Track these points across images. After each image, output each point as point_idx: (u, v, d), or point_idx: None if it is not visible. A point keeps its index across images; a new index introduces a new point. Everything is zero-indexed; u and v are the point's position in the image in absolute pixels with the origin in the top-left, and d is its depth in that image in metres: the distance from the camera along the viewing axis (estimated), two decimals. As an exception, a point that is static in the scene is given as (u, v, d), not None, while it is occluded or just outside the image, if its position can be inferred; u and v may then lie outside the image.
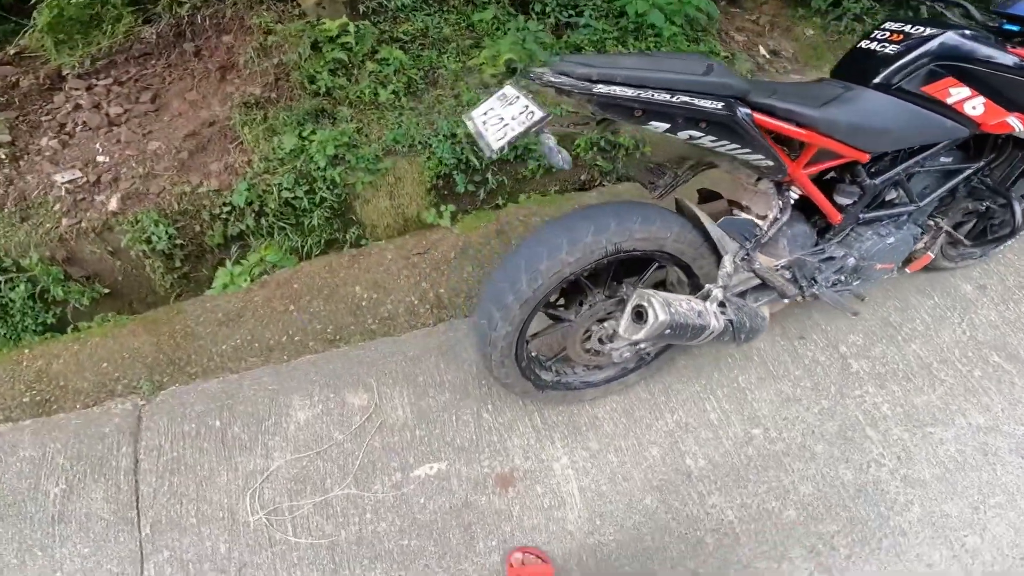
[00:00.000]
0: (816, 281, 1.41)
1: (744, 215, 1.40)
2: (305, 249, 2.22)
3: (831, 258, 1.46)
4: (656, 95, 0.98)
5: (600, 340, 1.49)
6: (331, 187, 2.13)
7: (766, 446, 1.60)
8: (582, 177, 2.57)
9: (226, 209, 2.12)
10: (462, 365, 1.84)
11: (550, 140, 1.06)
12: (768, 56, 2.90)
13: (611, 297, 1.44)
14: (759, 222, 1.34)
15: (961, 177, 1.48)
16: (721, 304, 1.26)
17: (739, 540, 1.45)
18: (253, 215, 2.15)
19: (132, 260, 2.13)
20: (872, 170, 1.32)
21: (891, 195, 1.43)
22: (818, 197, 1.28)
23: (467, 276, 2.12)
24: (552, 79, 1.01)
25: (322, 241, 2.22)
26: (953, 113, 1.25)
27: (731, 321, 1.25)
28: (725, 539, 1.46)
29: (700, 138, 1.08)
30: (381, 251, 2.20)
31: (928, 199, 1.47)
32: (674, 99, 0.98)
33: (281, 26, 2.35)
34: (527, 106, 1.08)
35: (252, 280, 2.09)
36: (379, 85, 2.35)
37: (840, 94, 1.19)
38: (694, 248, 1.34)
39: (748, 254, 1.34)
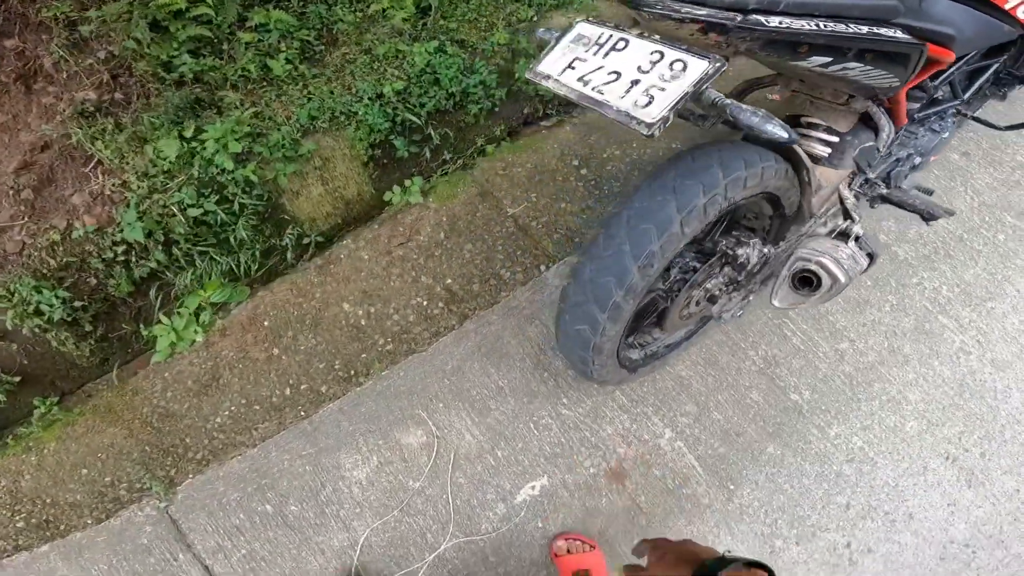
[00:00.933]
0: (900, 186, 1.43)
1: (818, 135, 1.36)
2: (242, 269, 2.00)
3: (897, 160, 1.56)
4: (840, 28, 0.84)
5: (698, 303, 1.46)
6: (247, 189, 1.91)
7: (859, 359, 1.68)
8: (524, 111, 2.51)
9: (120, 249, 1.84)
10: (513, 362, 1.78)
11: (726, 99, 0.92)
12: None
13: (701, 253, 1.42)
14: (871, 143, 1.39)
15: (991, 71, 1.65)
16: (857, 239, 1.22)
17: (876, 464, 1.52)
18: (160, 247, 1.88)
19: (30, 339, 1.68)
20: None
21: (939, 93, 1.53)
22: (904, 105, 1.32)
23: (471, 256, 2.04)
24: (685, 9, 0.85)
25: (256, 254, 2.02)
26: (1009, 17, 1.36)
27: (871, 255, 1.21)
28: (863, 466, 1.52)
29: (846, 69, 1.01)
30: (352, 253, 2.06)
31: (968, 93, 1.62)
32: (863, 32, 0.85)
33: (94, 12, 1.89)
34: (662, 53, 0.92)
35: (205, 330, 1.75)
36: (265, 56, 2.14)
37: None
38: (790, 181, 1.30)
39: (868, 179, 1.36)
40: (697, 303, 1.46)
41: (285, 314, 1.90)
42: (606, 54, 1.00)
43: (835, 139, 1.38)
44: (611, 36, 1.01)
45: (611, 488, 1.57)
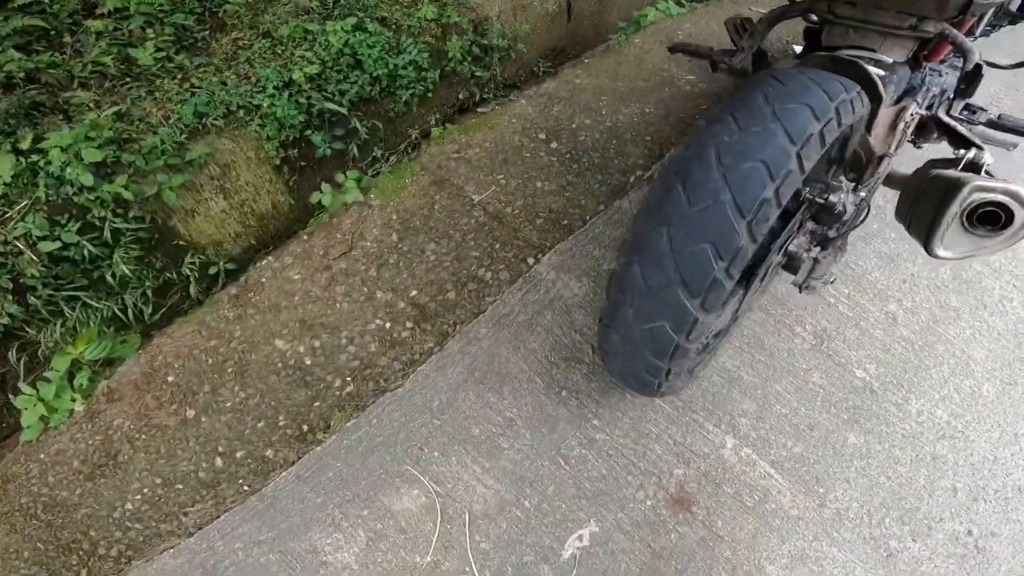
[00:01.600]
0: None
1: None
2: (131, 314, 1.69)
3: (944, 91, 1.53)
4: None
5: (769, 273, 1.26)
6: (120, 211, 1.63)
7: (912, 320, 1.60)
8: (460, 95, 2.42)
9: (-49, 305, 1.48)
10: (518, 384, 1.51)
11: None
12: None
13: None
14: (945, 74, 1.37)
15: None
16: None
17: (969, 438, 1.39)
18: (9, 297, 1.54)
19: None
20: None
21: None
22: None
23: (438, 258, 1.77)
24: None
25: (148, 293, 1.71)
26: None
27: None
28: (956, 443, 1.38)
29: None
30: (278, 273, 1.75)
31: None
32: None
33: None
34: None
35: (84, 396, 1.31)
36: (126, 47, 1.87)
37: None
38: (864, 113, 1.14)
39: (969, 104, 1.32)
40: (768, 273, 1.21)
41: (196, 364, 1.51)
42: None
43: (884, 72, 1.27)
44: None
45: (677, 519, 1.29)
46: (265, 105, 1.80)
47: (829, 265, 1.29)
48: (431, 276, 1.68)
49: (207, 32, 1.95)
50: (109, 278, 1.59)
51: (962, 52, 1.21)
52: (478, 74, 2.39)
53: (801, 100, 0.93)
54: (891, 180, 1.33)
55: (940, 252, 1.00)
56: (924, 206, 1.03)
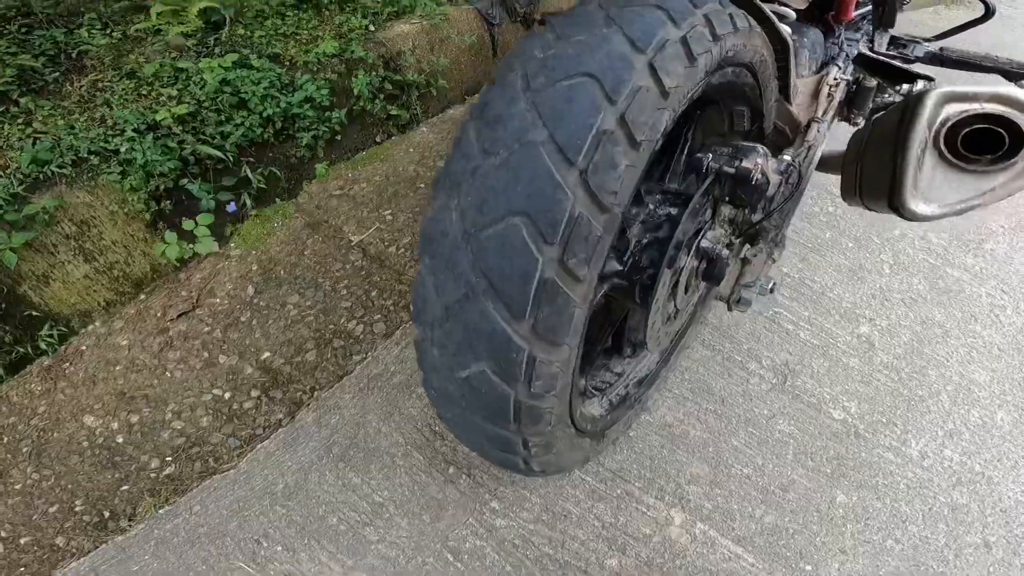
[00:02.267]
0: None
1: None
2: None
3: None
4: None
5: (687, 287, 0.97)
6: None
7: (892, 343, 1.31)
8: (377, 137, 2.20)
9: None
10: (392, 460, 1.19)
11: None
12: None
13: (669, 200, 0.92)
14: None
15: None
16: None
17: (992, 480, 1.17)
18: None
19: None
20: None
21: None
22: None
23: (300, 312, 1.50)
24: None
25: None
26: None
27: None
28: (978, 488, 1.18)
29: None
30: (103, 339, 1.49)
31: None
32: None
33: None
34: None
35: None
36: None
37: None
38: (768, 52, 0.91)
39: (896, 39, 1.24)
40: (686, 287, 0.93)
41: None
42: None
43: (790, 28, 1.06)
44: None
45: None
46: (123, 150, 1.56)
47: (763, 267, 1.01)
48: (289, 334, 1.37)
49: (59, 75, 1.75)
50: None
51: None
52: (395, 113, 2.26)
53: (650, 2, 0.67)
54: (827, 163, 1.10)
55: (917, 206, 0.72)
56: (878, 157, 0.77)
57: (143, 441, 1.23)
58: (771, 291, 1.02)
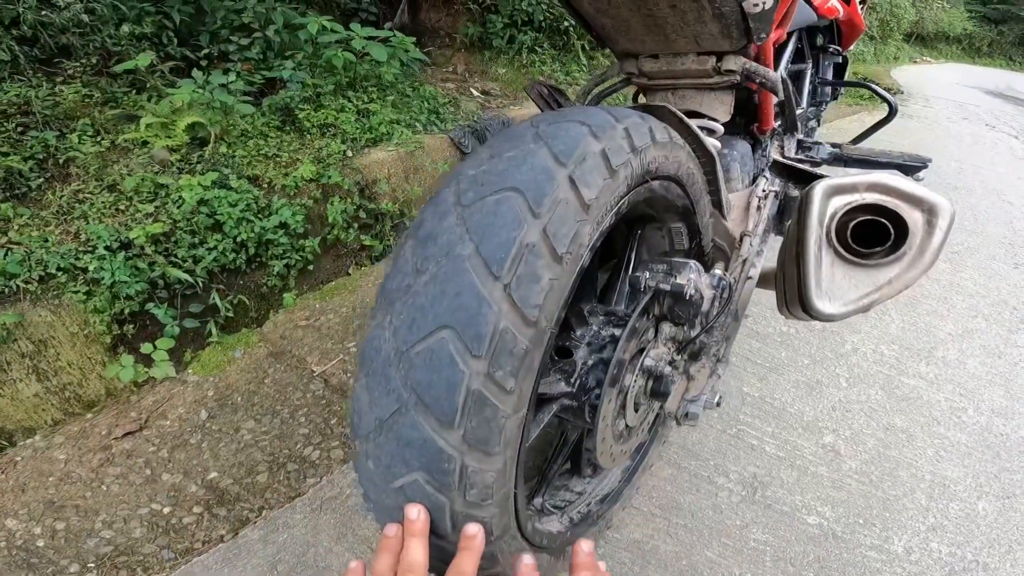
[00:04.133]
0: None
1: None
2: None
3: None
4: None
5: (636, 405, 1.02)
6: None
7: (858, 449, 1.49)
8: (348, 269, 2.33)
9: None
10: None
11: None
12: (482, 96, 3.65)
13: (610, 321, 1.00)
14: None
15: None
16: None
17: (987, 566, 1.20)
18: None
19: None
20: None
21: None
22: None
23: (254, 438, 1.54)
24: None
25: None
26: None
27: None
28: (978, 574, 1.10)
29: None
30: (41, 452, 1.51)
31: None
32: None
33: None
34: None
35: None
36: None
37: None
38: (696, 165, 1.01)
39: (802, 142, 1.38)
40: (636, 406, 1.02)
41: None
42: None
43: (717, 141, 1.26)
44: None
45: None
46: (92, 268, 1.63)
47: (707, 381, 1.09)
48: (240, 457, 1.40)
49: (43, 181, 1.88)
50: None
51: (768, 86, 1.16)
52: (367, 244, 2.36)
53: (574, 118, 0.76)
54: (766, 279, 1.22)
55: (824, 306, 0.80)
56: (790, 264, 0.88)
57: (66, 547, 1.21)
58: (717, 404, 1.07)
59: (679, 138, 0.93)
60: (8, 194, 1.79)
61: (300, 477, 1.37)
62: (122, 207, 1.85)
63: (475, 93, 3.59)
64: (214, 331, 1.81)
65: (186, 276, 1.74)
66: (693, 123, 1.00)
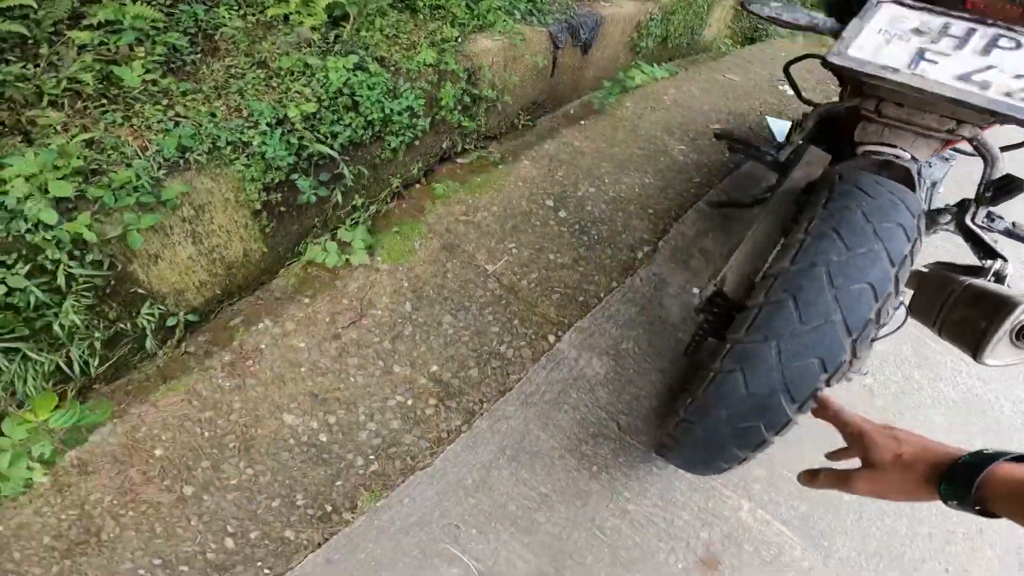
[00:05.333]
0: None
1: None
2: (76, 367, 1.69)
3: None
4: None
5: None
6: (78, 253, 1.62)
7: (884, 390, 2.01)
8: (444, 144, 2.67)
9: None
10: (551, 461, 1.79)
11: None
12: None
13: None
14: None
15: None
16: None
17: None
18: None
19: None
20: None
21: None
22: None
23: (456, 332, 2.02)
24: None
25: (96, 345, 1.71)
26: None
27: None
28: None
29: None
30: (280, 340, 1.91)
31: None
32: None
33: None
34: None
35: (46, 467, 1.57)
36: (109, 65, 1.89)
37: None
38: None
39: (991, 213, 1.63)
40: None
41: (189, 438, 1.66)
42: (986, 50, 1.22)
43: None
44: (972, 29, 1.25)
45: None
46: (256, 143, 1.87)
47: (864, 361, 1.58)
48: (451, 351, 1.94)
49: (198, 55, 2.01)
50: (56, 328, 1.58)
51: (989, 158, 1.48)
52: (464, 124, 2.66)
53: (894, 219, 1.20)
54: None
55: (989, 361, 1.23)
56: (965, 317, 1.28)
57: (345, 440, 1.73)
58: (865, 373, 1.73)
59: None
60: (167, 68, 1.93)
61: (504, 373, 1.93)
62: (274, 84, 2.04)
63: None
64: (338, 198, 2.14)
65: (327, 150, 2.02)
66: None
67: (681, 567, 1.65)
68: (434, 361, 1.91)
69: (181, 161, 1.76)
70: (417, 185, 2.44)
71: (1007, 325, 1.16)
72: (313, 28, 2.22)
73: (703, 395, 1.32)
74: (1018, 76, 1.21)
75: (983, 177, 1.57)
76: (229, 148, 1.86)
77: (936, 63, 1.25)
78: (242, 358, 1.81)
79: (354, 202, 2.31)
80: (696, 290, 1.83)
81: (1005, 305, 1.17)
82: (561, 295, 2.11)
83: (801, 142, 1.79)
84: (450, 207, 2.27)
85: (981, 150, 1.48)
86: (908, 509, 1.88)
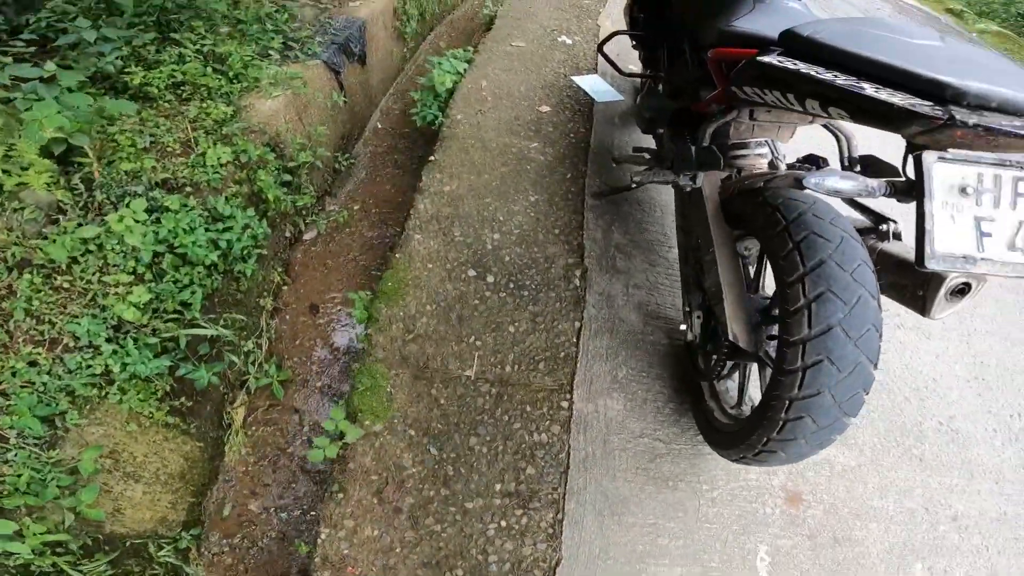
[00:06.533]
0: None
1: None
2: None
3: None
4: None
5: None
6: None
7: None
8: (287, 234, 2.93)
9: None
10: (635, 500, 2.06)
11: None
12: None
13: None
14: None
15: None
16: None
17: None
18: None
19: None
20: None
21: None
22: None
23: (488, 449, 2.16)
24: None
25: None
26: None
27: None
28: None
29: None
30: (352, 534, 1.95)
31: None
32: None
33: None
34: None
35: None
36: None
37: None
38: None
39: None
40: None
41: None
42: (1005, 202, 1.31)
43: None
44: (1000, 177, 1.31)
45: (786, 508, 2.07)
46: (116, 369, 1.69)
47: None
48: (499, 463, 2.06)
49: None
50: None
51: (843, 136, 2.00)
52: (300, 202, 2.57)
53: (859, 258, 1.51)
54: None
55: (935, 317, 1.54)
56: (900, 284, 1.61)
57: None
58: None
59: None
60: None
61: (552, 455, 2.09)
62: (69, 288, 1.76)
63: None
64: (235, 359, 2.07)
65: (201, 331, 1.93)
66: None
67: (770, 511, 2.08)
68: (493, 480, 2.04)
69: (56, 430, 1.61)
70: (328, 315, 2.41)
71: (942, 292, 1.49)
72: (48, 186, 1.85)
73: (780, 435, 1.65)
74: None
75: (844, 152, 2.01)
76: (91, 390, 1.68)
77: (991, 235, 1.31)
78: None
79: (245, 348, 2.21)
80: (683, 327, 2.21)
81: (936, 276, 1.48)
82: (544, 360, 2.30)
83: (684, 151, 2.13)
84: (388, 331, 2.30)
85: (835, 130, 1.98)
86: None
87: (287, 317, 2.44)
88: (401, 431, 2.11)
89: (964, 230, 1.28)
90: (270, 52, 2.83)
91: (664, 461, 2.13)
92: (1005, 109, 1.23)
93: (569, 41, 4.33)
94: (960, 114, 1.19)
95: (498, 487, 2.04)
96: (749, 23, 2.01)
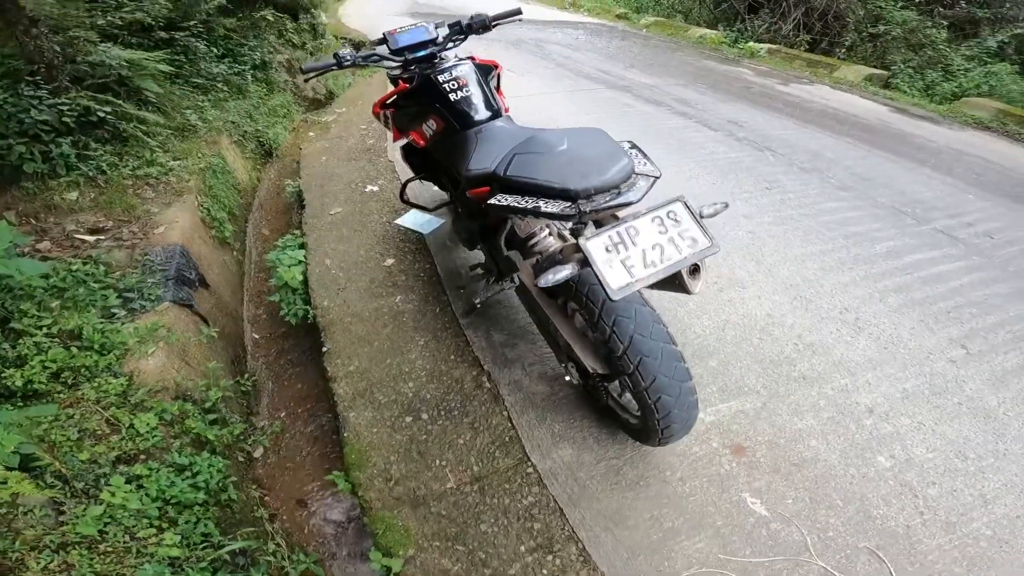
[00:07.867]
0: None
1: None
2: None
3: None
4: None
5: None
6: None
7: None
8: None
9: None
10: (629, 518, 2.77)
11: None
12: (94, 236, 3.62)
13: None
14: None
15: None
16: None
17: None
18: None
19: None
20: None
21: None
22: None
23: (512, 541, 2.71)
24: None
25: None
26: None
27: None
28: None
29: None
30: None
31: None
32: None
33: None
34: (661, 219, 2.13)
35: None
36: None
37: None
38: None
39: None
40: None
41: None
42: (630, 244, 2.02)
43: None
44: (621, 232, 2.03)
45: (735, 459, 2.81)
46: None
47: None
48: (511, 538, 2.58)
49: None
50: None
51: None
52: (235, 432, 2.92)
53: (654, 321, 2.29)
54: None
55: (695, 291, 2.11)
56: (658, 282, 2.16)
57: None
58: None
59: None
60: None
61: (545, 525, 2.72)
62: None
63: (85, 237, 3.56)
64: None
65: None
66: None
67: (729, 466, 2.84)
68: (515, 545, 2.54)
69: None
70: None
71: (686, 278, 2.11)
72: (34, 488, 2.04)
73: (660, 413, 2.40)
74: (655, 247, 2.05)
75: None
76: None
77: (633, 266, 2.01)
78: None
79: (277, 551, 2.56)
80: (567, 377, 2.94)
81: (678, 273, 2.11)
82: (497, 449, 2.92)
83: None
84: (373, 487, 2.78)
85: None
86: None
87: (283, 518, 2.83)
88: (429, 547, 2.60)
89: (619, 271, 1.99)
90: (112, 311, 2.99)
91: (626, 471, 2.84)
92: (605, 189, 2.13)
93: (376, 188, 5.16)
94: (583, 205, 2.10)
95: (522, 548, 2.61)
96: (478, 163, 2.68)
